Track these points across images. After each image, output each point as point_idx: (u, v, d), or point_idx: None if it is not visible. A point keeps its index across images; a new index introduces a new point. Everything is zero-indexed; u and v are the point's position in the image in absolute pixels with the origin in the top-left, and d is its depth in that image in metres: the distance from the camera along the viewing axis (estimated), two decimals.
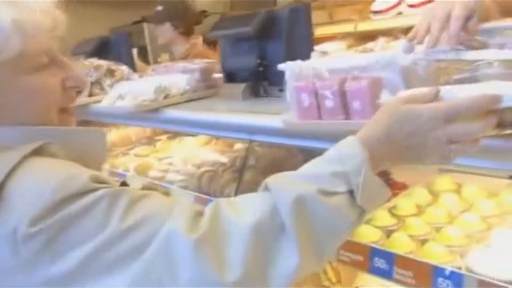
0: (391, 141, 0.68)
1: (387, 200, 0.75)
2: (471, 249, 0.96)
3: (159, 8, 2.71)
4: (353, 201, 0.67)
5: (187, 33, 2.77)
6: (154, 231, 0.61)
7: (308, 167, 0.70)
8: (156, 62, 4.26)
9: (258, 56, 1.54)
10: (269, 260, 0.63)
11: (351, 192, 0.66)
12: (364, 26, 3.10)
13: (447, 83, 0.83)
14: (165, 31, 2.74)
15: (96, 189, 0.64)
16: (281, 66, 1.07)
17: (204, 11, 4.40)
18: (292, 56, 1.36)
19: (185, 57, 2.70)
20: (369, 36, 2.56)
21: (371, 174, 0.67)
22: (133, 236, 0.61)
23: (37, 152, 0.68)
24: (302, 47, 1.50)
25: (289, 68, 1.06)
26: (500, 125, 0.73)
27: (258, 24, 1.50)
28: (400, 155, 0.69)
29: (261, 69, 1.54)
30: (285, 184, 0.67)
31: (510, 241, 0.94)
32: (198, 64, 1.74)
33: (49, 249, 0.61)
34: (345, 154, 0.67)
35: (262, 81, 1.55)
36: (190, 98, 1.64)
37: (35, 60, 0.73)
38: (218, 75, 1.76)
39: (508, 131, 0.72)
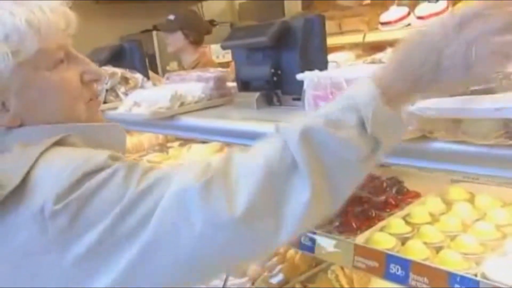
0: (405, 73, 0.66)
1: (403, 133, 0.73)
2: (486, 257, 0.98)
3: (171, 17, 2.76)
4: (364, 132, 0.65)
5: (197, 42, 2.82)
6: (165, 188, 0.64)
7: (319, 109, 0.70)
8: (164, 70, 4.31)
9: (273, 65, 1.57)
10: (281, 195, 0.64)
11: (362, 125, 0.65)
12: (372, 37, 3.14)
13: (464, 93, 0.85)
14: (176, 40, 2.79)
15: (113, 164, 0.68)
16: (299, 76, 1.10)
17: (212, 21, 4.45)
18: (306, 66, 1.40)
19: (195, 66, 2.74)
20: (378, 47, 2.60)
21: (383, 105, 0.65)
22: (147, 198, 0.64)
23: (58, 143, 0.72)
24: (316, 57, 1.52)
25: (307, 77, 1.09)
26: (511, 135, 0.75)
27: (274, 34, 1.53)
28: (419, 86, 0.66)
29: (275, 78, 1.57)
30: (294, 123, 0.67)
31: None
32: (212, 73, 1.77)
33: (75, 224, 0.64)
34: (354, 91, 0.67)
35: (276, 90, 1.58)
36: (204, 106, 1.67)
37: (53, 56, 0.77)
38: (232, 84, 1.80)
39: None
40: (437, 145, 0.85)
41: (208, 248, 0.63)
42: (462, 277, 0.91)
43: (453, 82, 0.66)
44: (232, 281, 1.49)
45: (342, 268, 1.46)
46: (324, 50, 1.56)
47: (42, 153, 0.68)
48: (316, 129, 0.65)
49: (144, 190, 0.65)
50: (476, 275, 0.92)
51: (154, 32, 4.67)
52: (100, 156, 0.68)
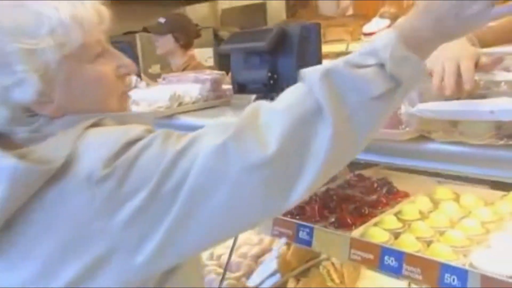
0: (426, 20, 0.69)
1: (423, 75, 0.75)
2: (473, 249, 1.07)
3: (162, 20, 2.80)
4: (384, 71, 0.68)
5: (187, 45, 2.87)
6: (200, 145, 0.69)
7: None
8: (146, 73, 4.33)
9: (270, 69, 1.64)
10: (307, 134, 0.68)
11: (381, 65, 0.68)
12: (355, 47, 3.24)
13: (458, 99, 0.94)
14: (166, 42, 2.83)
15: (149, 135, 0.73)
16: None
17: (196, 25, 4.50)
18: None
19: (183, 69, 2.79)
20: None
21: (401, 46, 0.68)
22: (186, 155, 0.69)
23: (95, 125, 0.77)
24: (311, 63, 1.59)
25: None
26: (501, 136, 0.84)
27: (272, 39, 1.60)
28: (440, 31, 0.70)
29: (271, 82, 1.64)
30: (315, 67, 0.71)
31: (508, 243, 1.05)
32: (209, 74, 1.82)
33: (121, 188, 0.68)
34: (375, 38, 0.71)
35: (272, 94, 1.65)
36: (201, 107, 1.73)
37: (93, 50, 0.81)
38: (226, 86, 1.86)
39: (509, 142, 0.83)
40: (435, 145, 0.94)
41: (244, 193, 0.68)
42: (453, 267, 1.00)
43: (474, 24, 0.71)
44: (228, 275, 1.55)
45: (333, 263, 1.53)
46: (319, 57, 1.65)
47: (84, 131, 0.73)
48: (336, 69, 0.69)
49: (182, 149, 0.69)
50: (464, 265, 1.00)
51: (137, 35, 4.69)
52: (137, 128, 0.74)
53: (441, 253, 1.07)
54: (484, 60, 0.93)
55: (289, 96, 0.72)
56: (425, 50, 0.72)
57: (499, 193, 1.32)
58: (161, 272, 0.76)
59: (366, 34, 3.26)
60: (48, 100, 0.77)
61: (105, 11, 0.83)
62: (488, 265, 0.98)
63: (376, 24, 3.29)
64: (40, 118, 0.77)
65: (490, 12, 0.68)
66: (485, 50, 0.97)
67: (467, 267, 0.99)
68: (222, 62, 4.49)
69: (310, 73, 0.71)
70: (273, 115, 0.70)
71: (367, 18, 3.37)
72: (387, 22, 3.28)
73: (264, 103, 0.74)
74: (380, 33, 0.72)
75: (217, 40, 5.09)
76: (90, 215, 0.69)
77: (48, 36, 0.73)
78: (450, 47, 0.83)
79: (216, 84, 1.81)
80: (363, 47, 0.72)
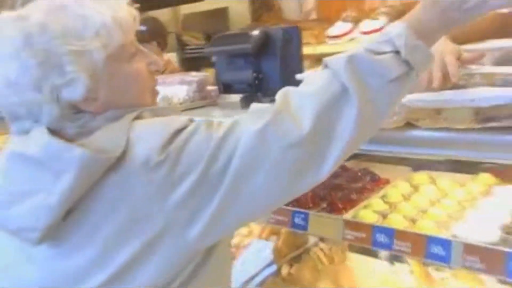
0: (432, 13, 0.79)
1: (431, 61, 0.85)
2: (453, 224, 1.21)
3: (143, 27, 2.85)
4: (399, 57, 0.78)
5: (163, 50, 2.94)
6: (240, 129, 0.78)
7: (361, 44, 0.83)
8: None
9: (254, 70, 1.74)
10: (335, 114, 0.77)
11: (397, 52, 0.79)
12: (322, 49, 3.40)
13: (442, 90, 1.08)
14: (152, 49, 2.89)
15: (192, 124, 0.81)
16: (299, 76, 1.28)
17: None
18: (285, 71, 1.60)
19: (162, 73, 2.86)
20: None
21: (413, 35, 0.78)
22: (229, 139, 0.77)
23: (137, 118, 0.85)
24: (293, 64, 1.72)
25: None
26: (480, 120, 0.98)
27: (256, 42, 1.70)
28: (444, 23, 0.80)
29: (256, 82, 1.74)
30: (338, 55, 0.81)
31: (481, 217, 1.20)
32: (194, 76, 1.91)
33: (175, 171, 0.76)
34: (389, 28, 0.81)
35: (257, 93, 1.75)
36: (189, 107, 1.81)
37: (129, 50, 0.89)
38: (211, 87, 1.95)
39: (487, 125, 0.97)
40: (421, 132, 1.07)
41: (283, 169, 0.77)
42: (438, 239, 1.13)
43: (475, 14, 0.80)
44: None
45: (321, 249, 1.65)
46: (300, 58, 1.77)
47: (131, 122, 0.81)
48: (359, 56, 0.79)
49: (224, 135, 0.78)
50: (448, 237, 1.14)
51: None
52: (181, 118, 0.83)
53: (426, 228, 1.20)
54: (465, 55, 1.07)
55: (317, 80, 0.81)
56: (432, 39, 0.82)
57: (468, 176, 1.47)
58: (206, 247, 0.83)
59: (330, 37, 3.42)
60: (94, 97, 0.84)
61: (135, 12, 0.90)
62: (467, 235, 1.12)
63: (339, 28, 3.46)
64: (86, 114, 0.84)
65: (489, 2, 0.78)
66: (465, 47, 1.12)
67: (450, 238, 1.13)
68: (187, 65, 4.55)
69: (334, 59, 0.81)
70: (304, 99, 0.79)
71: (330, 22, 3.53)
72: (349, 25, 3.46)
73: (292, 89, 0.83)
74: (392, 24, 0.83)
75: (180, 44, 5.15)
76: (147, 198, 0.76)
77: (94, 37, 0.80)
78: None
79: (201, 85, 1.89)
80: (379, 36, 0.82)
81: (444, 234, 1.17)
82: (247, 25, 3.95)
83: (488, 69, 1.06)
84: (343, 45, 3.28)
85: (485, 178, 1.41)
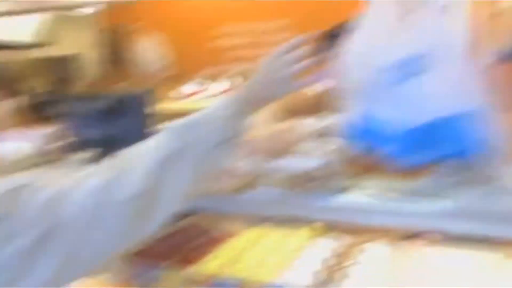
0: (245, 98, 0.95)
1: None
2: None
3: None
4: (225, 124, 0.90)
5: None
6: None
7: None
8: None
9: (106, 130, 1.80)
10: (165, 175, 0.83)
11: (225, 119, 0.90)
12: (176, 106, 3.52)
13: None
14: None
15: None
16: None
17: None
18: (136, 131, 1.70)
19: None
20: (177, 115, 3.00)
21: (239, 108, 0.92)
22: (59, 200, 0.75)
23: None
24: (144, 125, 1.82)
25: None
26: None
27: (110, 104, 1.79)
28: (255, 104, 0.96)
29: (108, 141, 1.79)
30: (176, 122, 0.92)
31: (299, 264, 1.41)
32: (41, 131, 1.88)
33: None
34: (217, 101, 0.96)
35: (108, 151, 1.79)
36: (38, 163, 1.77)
37: None
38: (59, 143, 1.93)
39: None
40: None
41: (115, 223, 0.76)
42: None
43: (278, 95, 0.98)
44: None
45: None
46: (152, 118, 1.86)
47: None
48: (188, 123, 0.92)
49: (57, 192, 0.74)
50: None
51: None
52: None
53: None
54: None
55: (151, 142, 0.89)
56: (251, 111, 0.97)
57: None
58: None
59: (182, 96, 3.60)
60: None
61: None
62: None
63: (190, 87, 3.67)
64: None
65: (295, 85, 0.98)
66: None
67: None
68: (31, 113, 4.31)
69: (170, 125, 0.92)
70: (137, 158, 0.84)
71: (185, 78, 3.73)
72: (201, 85, 3.69)
73: (129, 150, 0.88)
74: (221, 96, 1.00)
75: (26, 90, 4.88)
76: None
77: None
78: None
79: (51, 141, 1.87)
80: (210, 105, 0.95)
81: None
82: (96, 80, 3.92)
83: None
84: (193, 104, 3.47)
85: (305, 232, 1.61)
